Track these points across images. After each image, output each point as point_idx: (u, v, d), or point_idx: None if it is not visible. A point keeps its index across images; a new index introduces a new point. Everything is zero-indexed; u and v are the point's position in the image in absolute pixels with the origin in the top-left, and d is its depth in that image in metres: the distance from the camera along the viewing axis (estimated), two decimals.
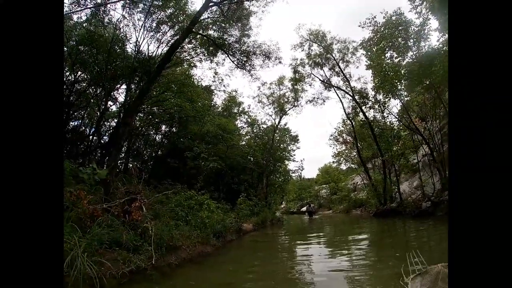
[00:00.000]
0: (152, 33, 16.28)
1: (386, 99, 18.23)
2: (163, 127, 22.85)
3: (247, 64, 16.92)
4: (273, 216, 22.59)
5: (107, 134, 18.87)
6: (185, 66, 18.93)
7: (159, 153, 22.40)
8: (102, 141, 18.23)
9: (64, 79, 14.87)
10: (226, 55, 16.49)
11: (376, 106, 20.40)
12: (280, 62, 17.93)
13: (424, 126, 17.11)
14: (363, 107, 21.92)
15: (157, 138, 23.28)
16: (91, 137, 17.88)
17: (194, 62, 18.42)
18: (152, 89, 17.00)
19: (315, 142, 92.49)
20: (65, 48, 13.71)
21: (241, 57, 16.68)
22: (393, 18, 15.96)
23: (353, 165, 40.65)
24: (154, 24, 16.07)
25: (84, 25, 14.46)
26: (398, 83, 16.58)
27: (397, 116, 19.82)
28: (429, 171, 18.03)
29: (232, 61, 16.74)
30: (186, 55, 17.91)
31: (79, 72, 15.99)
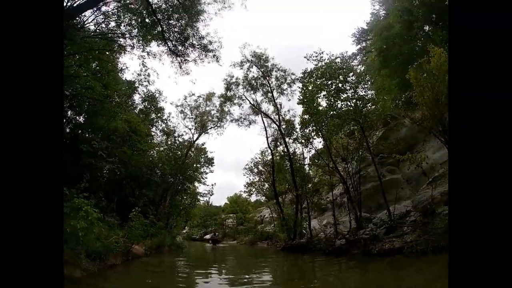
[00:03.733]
0: None
1: (312, 134, 17.93)
2: (69, 113, 18.21)
3: (180, 51, 14.89)
4: (172, 241, 19.59)
5: None
6: (115, 48, 15.79)
7: None
8: None
9: None
10: (162, 31, 14.06)
11: (300, 141, 20.10)
12: (217, 61, 16.10)
13: (344, 166, 17.06)
14: (287, 139, 21.65)
15: None
16: None
17: (125, 45, 15.26)
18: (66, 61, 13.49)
19: (229, 169, 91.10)
20: None
21: (177, 43, 14.57)
22: (337, 60, 16.25)
23: (262, 198, 40.78)
24: None
25: None
26: (324, 123, 16.54)
27: (319, 153, 19.58)
28: (342, 210, 17.83)
29: (166, 40, 14.31)
30: (119, 32, 14.73)
31: None
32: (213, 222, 42.79)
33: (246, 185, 33.83)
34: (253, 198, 41.21)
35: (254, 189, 34.79)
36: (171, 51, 14.89)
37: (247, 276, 10.02)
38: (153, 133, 24.71)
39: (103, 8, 13.67)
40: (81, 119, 18.56)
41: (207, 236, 36.54)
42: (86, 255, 7.12)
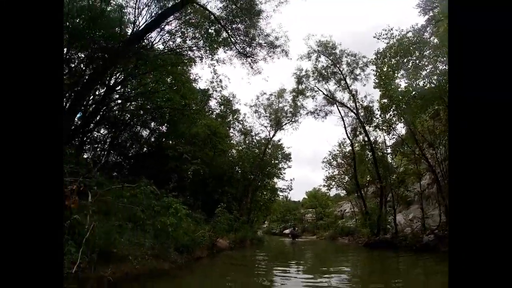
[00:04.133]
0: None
1: (394, 119, 16.69)
2: (152, 124, 21.10)
3: (249, 52, 15.38)
4: (254, 235, 20.41)
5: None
6: (185, 61, 17.09)
7: (144, 150, 20.88)
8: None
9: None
10: (228, 37, 14.81)
11: (381, 127, 18.80)
12: (286, 55, 16.22)
13: (431, 153, 15.55)
14: (367, 127, 20.38)
15: (143, 134, 21.53)
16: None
17: (194, 57, 16.56)
18: (144, 79, 16.27)
19: (306, 163, 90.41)
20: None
21: (244, 45, 15.15)
22: (409, 34, 14.79)
23: (342, 192, 39.48)
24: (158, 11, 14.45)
25: None
26: (405, 106, 15.25)
27: (402, 139, 18.11)
28: (430, 202, 16.41)
29: (233, 44, 14.99)
30: (186, 46, 16.08)
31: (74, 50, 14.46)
32: (292, 217, 42.82)
33: (325, 179, 33.23)
34: (333, 192, 40.42)
35: (333, 183, 34.02)
36: (240, 54, 15.42)
37: (325, 271, 9.94)
38: (231, 134, 26.02)
39: (167, 28, 14.85)
40: (164, 128, 20.80)
41: (287, 231, 36.53)
42: (174, 248, 7.94)
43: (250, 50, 15.35)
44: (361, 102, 21.44)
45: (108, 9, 13.80)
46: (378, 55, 16.05)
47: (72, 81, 14.45)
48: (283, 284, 7.37)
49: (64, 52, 13.78)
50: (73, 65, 14.85)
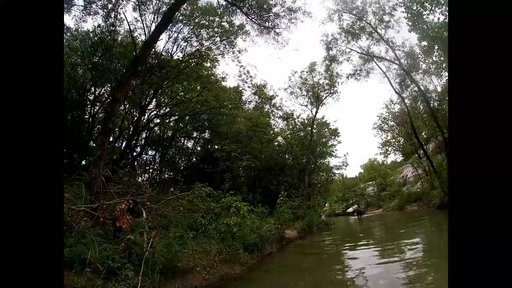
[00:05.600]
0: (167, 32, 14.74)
1: (441, 58, 14.70)
2: (195, 133, 21.50)
3: (270, 25, 14.29)
4: (319, 219, 19.40)
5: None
6: (208, 64, 17.23)
7: (193, 160, 21.20)
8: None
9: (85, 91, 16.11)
10: (244, 14, 13.90)
11: (431, 68, 16.65)
12: (309, 16, 14.86)
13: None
14: (414, 76, 18.24)
15: (189, 145, 22.15)
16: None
17: (216, 56, 16.30)
18: (174, 91, 16.81)
19: (355, 136, 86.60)
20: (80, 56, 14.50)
21: (262, 21, 14.13)
22: None
23: (398, 158, 37.16)
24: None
25: (96, 31, 14.01)
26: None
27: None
28: None
29: (250, 19, 14.01)
30: (203, 48, 15.83)
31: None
32: (352, 194, 41.11)
33: (381, 146, 31.42)
34: (390, 159, 38.19)
35: (390, 148, 32.03)
36: (260, 28, 14.42)
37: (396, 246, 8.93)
38: (272, 122, 25.33)
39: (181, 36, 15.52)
40: (207, 135, 20.90)
41: (350, 209, 35.19)
42: (243, 249, 7.34)
43: (270, 24, 14.28)
44: (402, 49, 19.11)
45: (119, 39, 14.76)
46: None
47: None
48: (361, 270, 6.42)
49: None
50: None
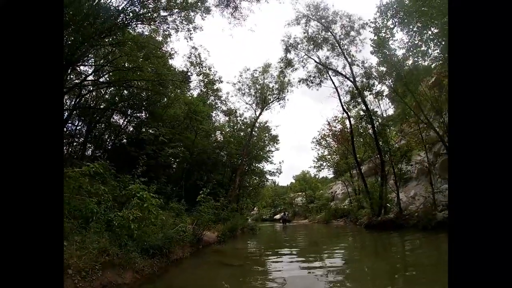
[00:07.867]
0: None
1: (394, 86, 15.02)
2: (129, 111, 18.96)
3: None
4: (245, 223, 18.43)
5: None
6: (160, 38, 15.73)
7: (123, 141, 18.79)
8: None
9: None
10: None
11: (381, 95, 16.94)
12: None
13: (439, 120, 13.81)
14: (366, 96, 18.32)
15: (121, 123, 19.37)
16: None
17: (169, 29, 14.28)
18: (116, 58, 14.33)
19: (291, 148, 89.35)
20: None
21: None
22: None
23: (330, 175, 38.60)
24: None
25: None
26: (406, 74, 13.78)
27: (408, 106, 15.96)
28: (430, 178, 14.89)
29: None
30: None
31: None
32: (282, 202, 41.91)
33: (316, 160, 32.22)
34: (321, 174, 39.47)
35: (324, 164, 32.94)
36: None
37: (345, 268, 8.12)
38: (214, 115, 24.12)
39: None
40: (143, 116, 18.87)
41: (277, 216, 35.76)
42: (144, 251, 5.89)
43: None
44: (360, 66, 19.03)
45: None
46: (379, 10, 13.97)
47: None
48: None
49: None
50: None
